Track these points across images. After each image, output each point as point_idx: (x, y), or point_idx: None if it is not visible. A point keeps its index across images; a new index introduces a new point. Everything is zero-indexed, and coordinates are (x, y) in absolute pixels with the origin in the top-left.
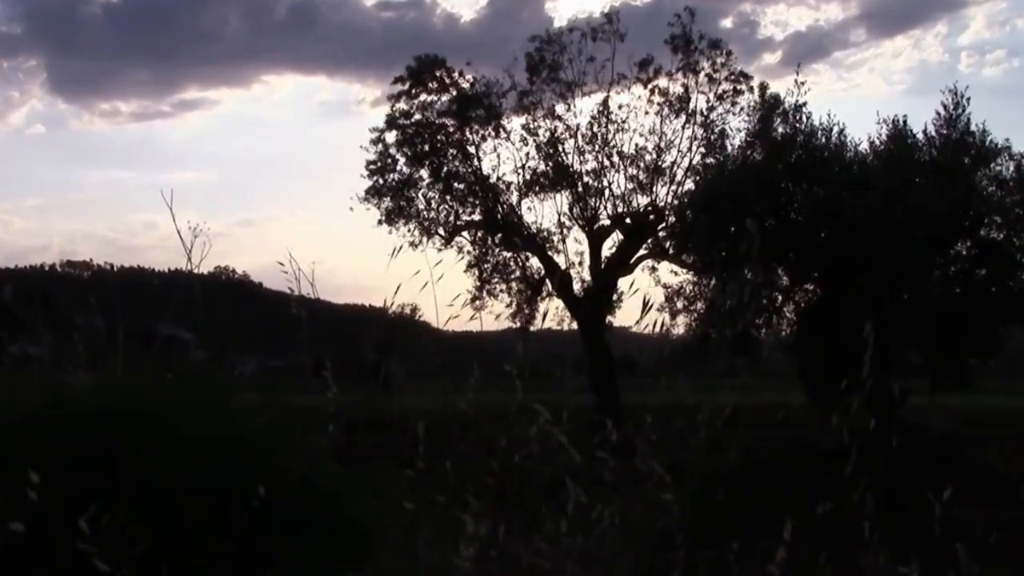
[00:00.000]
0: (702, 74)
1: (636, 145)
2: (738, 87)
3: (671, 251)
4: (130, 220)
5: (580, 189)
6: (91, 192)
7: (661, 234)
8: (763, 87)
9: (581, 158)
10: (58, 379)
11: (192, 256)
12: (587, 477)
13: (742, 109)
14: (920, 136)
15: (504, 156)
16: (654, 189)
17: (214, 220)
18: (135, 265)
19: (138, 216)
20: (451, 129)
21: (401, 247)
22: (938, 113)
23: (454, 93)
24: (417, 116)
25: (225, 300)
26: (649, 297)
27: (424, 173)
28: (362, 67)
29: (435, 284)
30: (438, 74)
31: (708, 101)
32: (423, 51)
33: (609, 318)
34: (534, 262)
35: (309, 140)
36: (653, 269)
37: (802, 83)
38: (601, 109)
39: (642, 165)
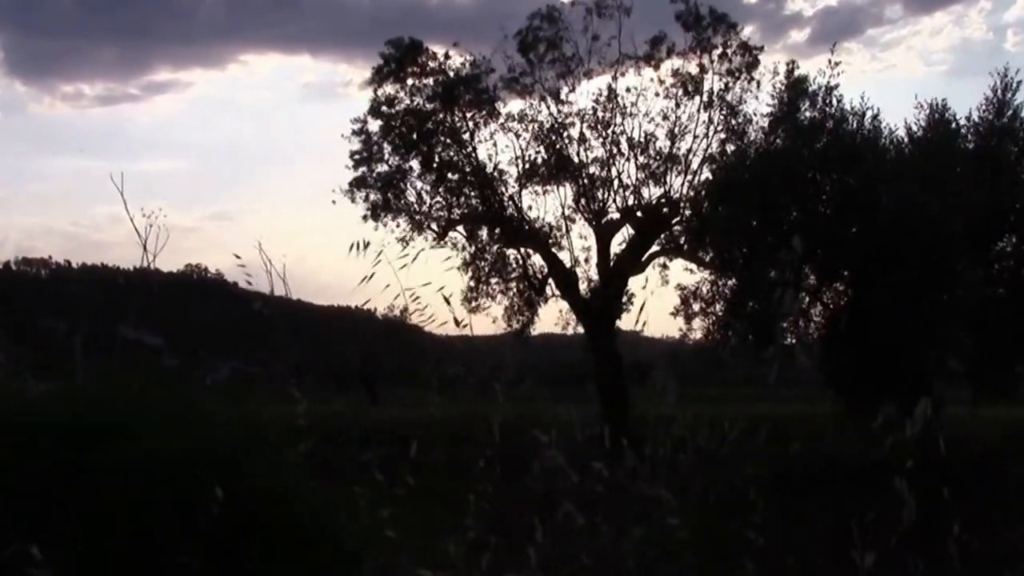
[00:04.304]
0: (715, 52)
1: (645, 132)
2: (749, 63)
3: (687, 247)
4: (94, 213)
5: (585, 180)
6: (52, 183)
7: (676, 229)
8: (791, 67)
9: (586, 146)
10: (13, 388)
11: (148, 247)
12: (587, 497)
13: (759, 84)
14: (963, 122)
15: (502, 144)
16: (668, 179)
17: (186, 213)
18: (98, 263)
19: (103, 209)
20: (441, 115)
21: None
22: (986, 97)
23: (439, 77)
24: (405, 102)
25: (196, 301)
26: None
27: (414, 163)
28: (349, 46)
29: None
30: (420, 60)
31: (723, 79)
32: (414, 28)
33: (618, 321)
34: (536, 259)
35: (291, 125)
36: (665, 267)
37: (837, 63)
38: (607, 92)
39: (654, 153)
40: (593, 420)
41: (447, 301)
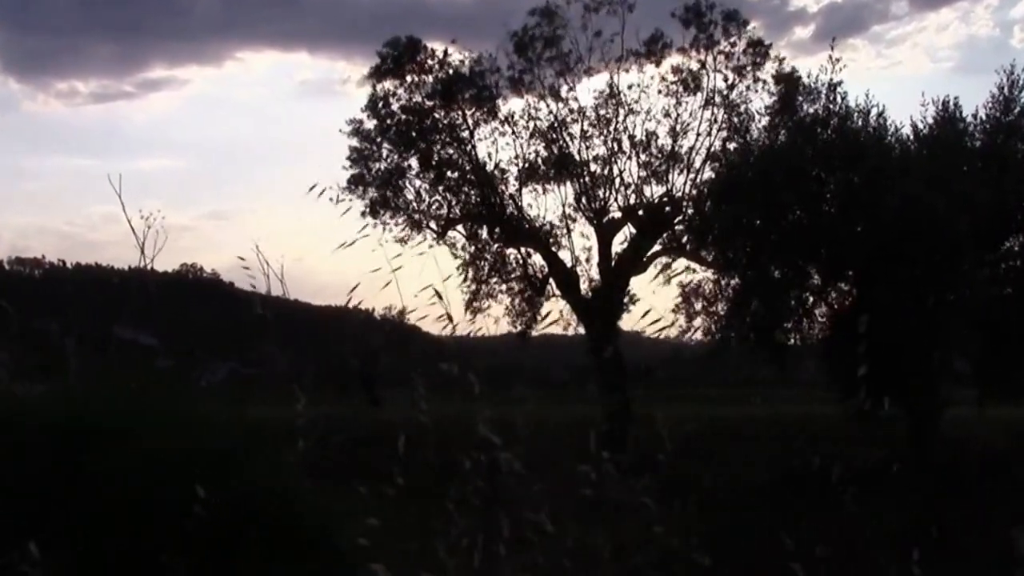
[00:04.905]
0: (717, 49)
1: (647, 130)
2: (757, 60)
3: (689, 246)
4: (89, 212)
5: (586, 178)
6: (46, 181)
7: (678, 228)
8: (778, 60)
9: (587, 144)
10: (7, 389)
11: (145, 248)
12: (585, 499)
13: (764, 84)
14: (969, 119)
15: (502, 142)
16: (670, 177)
17: (181, 212)
18: (92, 263)
19: (98, 208)
20: (440, 113)
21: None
22: (992, 94)
23: (438, 75)
24: (402, 100)
25: (192, 301)
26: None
27: (413, 161)
28: (348, 42)
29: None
30: (418, 58)
31: (726, 79)
32: (414, 24)
33: (620, 321)
34: (536, 259)
35: (288, 123)
36: (667, 266)
37: (837, 59)
38: (608, 89)
39: (656, 151)
40: (593, 421)
41: (439, 296)
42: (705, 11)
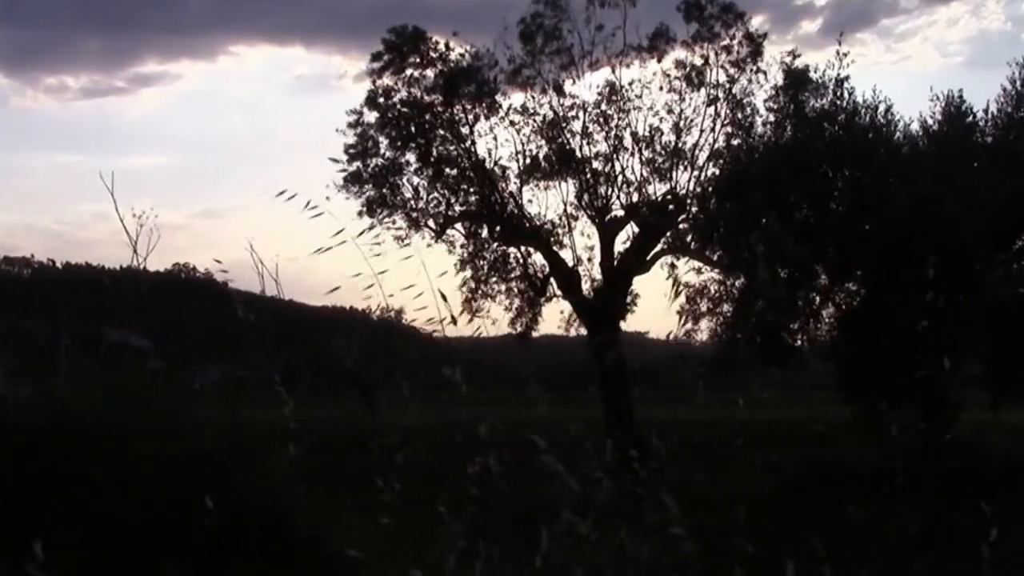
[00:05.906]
0: (720, 44)
1: (650, 126)
2: (758, 49)
3: (693, 246)
4: (79, 211)
5: (588, 175)
6: (35, 179)
7: (682, 226)
8: (791, 57)
9: (588, 140)
10: None
11: (138, 248)
12: (588, 505)
13: (766, 76)
14: (980, 115)
15: (502, 138)
16: (673, 175)
17: (174, 210)
18: (83, 262)
19: (88, 206)
20: (439, 108)
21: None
22: (1003, 89)
23: (440, 68)
24: (402, 94)
25: (184, 302)
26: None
27: (411, 157)
28: (344, 37)
29: (429, 282)
30: (421, 48)
31: (727, 72)
32: (413, 19)
33: (622, 322)
34: (537, 258)
35: (283, 119)
36: (672, 266)
37: (844, 54)
38: (610, 84)
39: (659, 148)
40: (595, 424)
41: (445, 296)
42: (706, 4)
